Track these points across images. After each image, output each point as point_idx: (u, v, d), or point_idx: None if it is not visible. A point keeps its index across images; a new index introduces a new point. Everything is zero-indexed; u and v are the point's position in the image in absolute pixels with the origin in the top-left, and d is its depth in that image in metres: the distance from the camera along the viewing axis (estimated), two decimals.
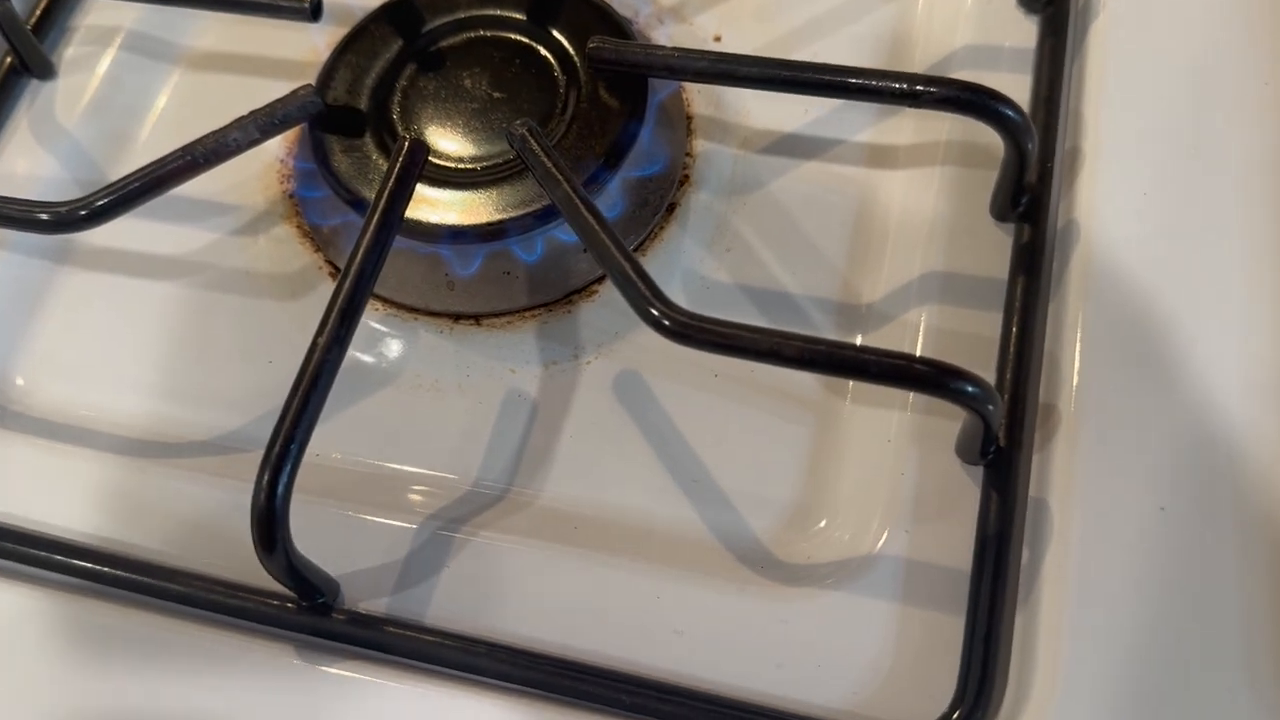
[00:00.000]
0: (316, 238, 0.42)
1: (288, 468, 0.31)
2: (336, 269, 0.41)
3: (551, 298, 0.40)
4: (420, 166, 0.36)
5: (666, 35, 0.45)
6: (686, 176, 0.42)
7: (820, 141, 0.42)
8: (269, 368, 0.40)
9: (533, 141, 0.35)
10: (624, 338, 0.40)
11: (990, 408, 0.31)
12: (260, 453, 0.38)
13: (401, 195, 0.35)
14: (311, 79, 0.43)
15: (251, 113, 0.36)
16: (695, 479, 0.37)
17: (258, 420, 0.39)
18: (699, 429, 0.38)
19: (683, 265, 0.41)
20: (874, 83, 0.35)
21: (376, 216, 0.34)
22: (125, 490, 0.38)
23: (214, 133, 0.36)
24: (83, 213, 0.35)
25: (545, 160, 0.34)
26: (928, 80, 0.35)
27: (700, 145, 0.43)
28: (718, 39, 0.45)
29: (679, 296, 0.40)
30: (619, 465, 0.37)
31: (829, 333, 0.39)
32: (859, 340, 0.38)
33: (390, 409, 0.39)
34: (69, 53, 0.47)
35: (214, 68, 0.47)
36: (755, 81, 0.36)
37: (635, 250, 0.40)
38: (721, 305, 0.40)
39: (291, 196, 0.43)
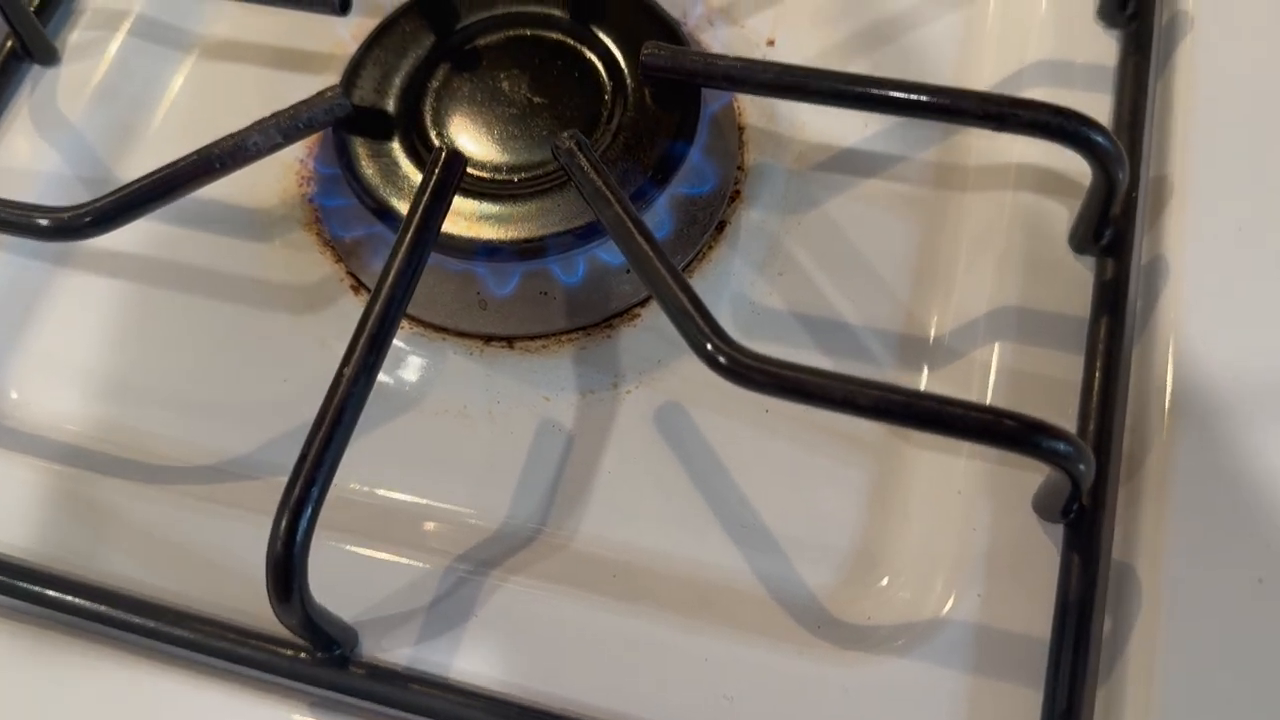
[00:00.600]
0: (338, 247, 0.39)
1: (308, 512, 0.28)
2: (359, 282, 0.38)
3: (591, 321, 0.37)
4: (458, 180, 0.33)
5: (717, 38, 0.42)
6: (738, 192, 0.39)
7: (881, 158, 0.39)
8: (284, 386, 0.37)
9: (581, 156, 0.32)
10: (667, 366, 0.37)
11: (1081, 468, 0.29)
12: (273, 480, 0.35)
13: (437, 211, 0.32)
14: (335, 73, 0.40)
15: (274, 114, 0.33)
16: (744, 524, 0.34)
17: (271, 444, 0.36)
18: (749, 469, 0.35)
19: (732, 288, 0.38)
20: (955, 103, 0.32)
21: (410, 234, 0.31)
22: (125, 518, 0.35)
23: (232, 135, 0.33)
24: (87, 219, 0.32)
25: (595, 177, 0.32)
26: (1013, 103, 0.32)
27: (753, 159, 0.40)
28: (771, 43, 0.42)
29: (727, 322, 0.37)
30: (661, 506, 0.34)
31: (891, 369, 0.36)
32: (924, 378, 0.36)
33: (414, 436, 0.36)
34: (74, 37, 0.44)
35: (230, 57, 0.44)
36: (825, 97, 0.33)
37: (683, 270, 0.38)
38: (773, 333, 0.37)
39: (311, 201, 0.40)
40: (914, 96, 0.32)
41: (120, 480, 0.36)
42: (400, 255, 0.31)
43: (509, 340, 0.37)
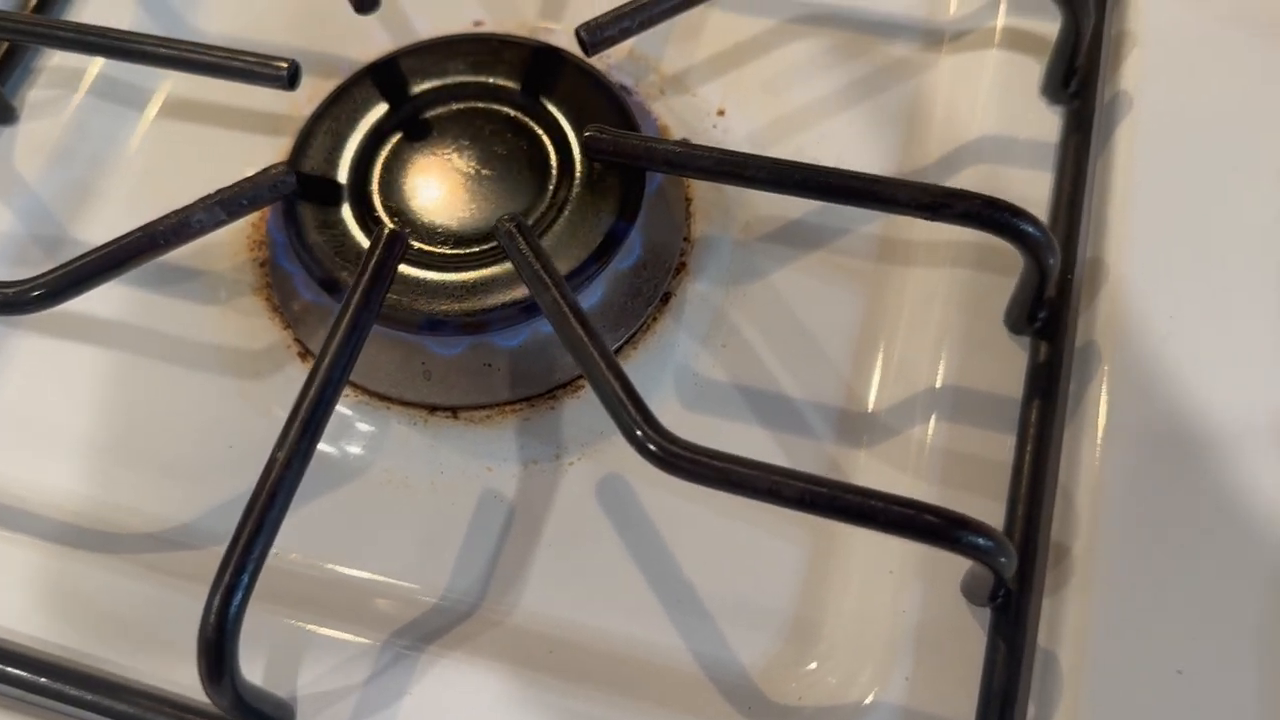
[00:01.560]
0: (286, 313, 0.39)
1: (238, 597, 0.29)
2: (306, 350, 0.39)
3: (534, 392, 0.37)
4: (398, 259, 0.33)
5: (669, 107, 0.43)
6: (683, 264, 0.40)
7: (825, 230, 0.40)
8: (228, 453, 0.38)
9: (520, 239, 0.33)
10: (609, 438, 0.37)
11: (1003, 560, 0.29)
12: (215, 549, 0.35)
13: (376, 292, 0.32)
14: (290, 134, 0.41)
15: (219, 191, 0.34)
16: (681, 600, 0.35)
17: (213, 512, 0.37)
18: (687, 544, 0.35)
19: (676, 361, 0.38)
20: (890, 193, 0.32)
21: (348, 316, 0.31)
22: (60, 584, 0.35)
23: (177, 211, 0.33)
24: (34, 294, 0.33)
25: (534, 262, 0.32)
26: (946, 194, 0.33)
27: (699, 230, 0.40)
28: (722, 113, 0.43)
29: (671, 395, 0.38)
30: (599, 581, 0.35)
31: (830, 443, 0.36)
32: (862, 455, 0.36)
33: (356, 507, 0.36)
34: (32, 95, 0.44)
35: (187, 117, 0.44)
36: (763, 184, 0.34)
37: (627, 342, 0.38)
38: (716, 406, 0.37)
39: (262, 265, 0.40)
40: (850, 184, 0.33)
41: (58, 545, 0.36)
42: (337, 337, 0.31)
43: (453, 410, 0.37)
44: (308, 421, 0.30)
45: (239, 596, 0.29)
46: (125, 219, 0.41)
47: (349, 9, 0.41)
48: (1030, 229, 0.32)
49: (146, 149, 0.44)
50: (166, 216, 0.33)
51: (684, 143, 0.35)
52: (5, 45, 0.43)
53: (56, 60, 0.44)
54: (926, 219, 0.33)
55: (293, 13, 0.46)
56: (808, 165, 0.33)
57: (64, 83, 0.44)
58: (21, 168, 0.42)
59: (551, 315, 0.32)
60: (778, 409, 0.37)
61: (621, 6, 0.36)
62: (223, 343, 0.39)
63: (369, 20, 0.43)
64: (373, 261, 0.32)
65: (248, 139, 0.43)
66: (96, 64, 0.44)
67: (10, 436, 0.38)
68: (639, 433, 0.30)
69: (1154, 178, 0.38)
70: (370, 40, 0.44)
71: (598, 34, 0.35)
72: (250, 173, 0.39)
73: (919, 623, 0.33)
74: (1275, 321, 0.34)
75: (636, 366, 0.38)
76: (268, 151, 0.43)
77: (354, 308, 0.31)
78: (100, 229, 0.42)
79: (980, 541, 0.28)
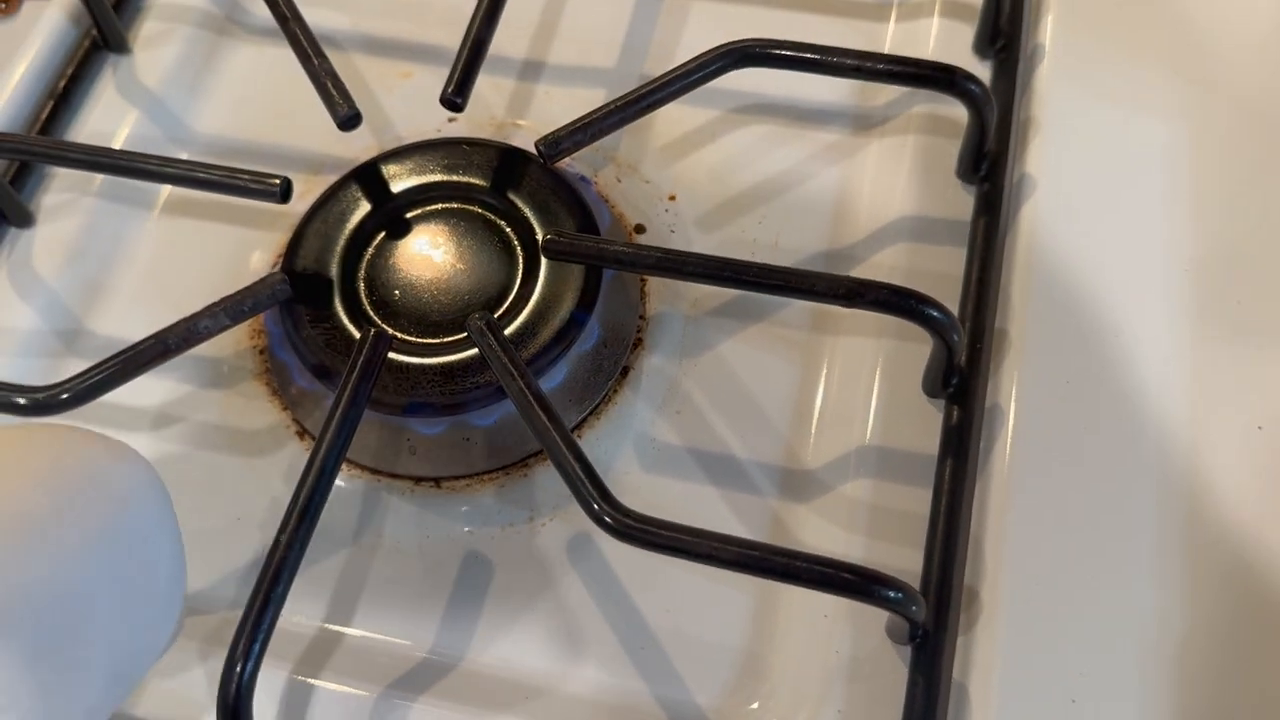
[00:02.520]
0: (285, 396, 0.44)
1: (251, 664, 0.33)
2: (304, 429, 0.43)
3: (509, 461, 0.42)
4: (383, 358, 0.38)
5: (625, 195, 0.47)
6: (640, 340, 0.44)
7: (767, 304, 0.44)
8: (237, 524, 0.42)
9: (490, 336, 0.37)
10: (576, 502, 0.41)
11: (913, 608, 0.34)
12: (225, 614, 0.40)
13: (364, 388, 0.37)
14: (280, 229, 0.46)
15: (222, 300, 0.38)
16: (643, 645, 0.39)
17: (224, 580, 0.41)
18: (648, 594, 0.40)
19: (635, 429, 0.43)
20: (811, 285, 0.37)
21: (339, 411, 0.36)
22: None
23: (185, 320, 0.38)
24: (63, 396, 0.37)
25: (502, 355, 0.37)
26: (859, 284, 0.37)
27: (654, 308, 0.45)
28: (673, 198, 0.47)
29: (632, 460, 0.42)
30: (571, 631, 0.39)
31: (774, 499, 0.41)
32: (801, 510, 0.41)
33: (352, 570, 0.41)
34: (47, 200, 0.48)
35: (188, 214, 0.49)
36: (701, 278, 0.38)
37: (591, 413, 0.43)
38: (672, 468, 0.42)
39: (261, 352, 0.45)
40: (776, 280, 0.37)
41: None
42: (330, 430, 0.36)
43: (436, 480, 0.42)
44: (305, 508, 0.34)
45: (251, 665, 0.33)
46: (135, 312, 0.46)
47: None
48: (934, 313, 0.37)
49: (152, 246, 0.48)
50: (175, 325, 0.38)
51: (631, 244, 0.40)
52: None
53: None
54: (843, 306, 0.38)
55: (280, 114, 0.50)
56: (737, 262, 0.38)
57: (75, 187, 0.48)
58: (40, 268, 0.47)
59: (518, 402, 0.36)
60: (727, 469, 0.42)
61: (575, 121, 0.41)
62: (228, 424, 0.44)
63: None
64: (360, 360, 0.37)
65: (244, 234, 0.48)
66: None
67: None
68: (595, 507, 0.34)
69: (1053, 255, 0.42)
70: (353, 138, 0.49)
71: (554, 147, 0.40)
72: (248, 265, 0.44)
73: (850, 660, 0.37)
74: (1166, 383, 0.39)
75: (599, 436, 0.42)
76: (262, 246, 0.47)
77: (344, 403, 0.36)
78: (113, 322, 0.46)
79: (892, 594, 0.33)
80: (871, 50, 0.42)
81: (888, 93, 0.48)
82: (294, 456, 0.43)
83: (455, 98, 0.41)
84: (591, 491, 0.34)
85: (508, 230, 0.43)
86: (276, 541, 0.34)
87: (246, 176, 0.40)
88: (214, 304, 0.38)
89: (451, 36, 0.45)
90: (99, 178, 0.49)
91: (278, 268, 0.46)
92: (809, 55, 0.41)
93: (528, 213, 0.43)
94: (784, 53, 0.41)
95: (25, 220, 0.47)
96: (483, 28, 0.42)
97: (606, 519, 0.34)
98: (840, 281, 0.37)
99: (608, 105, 0.41)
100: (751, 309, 0.45)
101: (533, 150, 0.43)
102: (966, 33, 0.49)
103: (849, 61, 0.41)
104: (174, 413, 0.44)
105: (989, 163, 0.44)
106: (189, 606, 0.41)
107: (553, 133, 0.40)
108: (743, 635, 0.39)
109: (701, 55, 0.42)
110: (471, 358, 0.40)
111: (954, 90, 0.41)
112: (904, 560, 0.38)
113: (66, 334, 0.46)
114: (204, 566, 0.41)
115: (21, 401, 0.38)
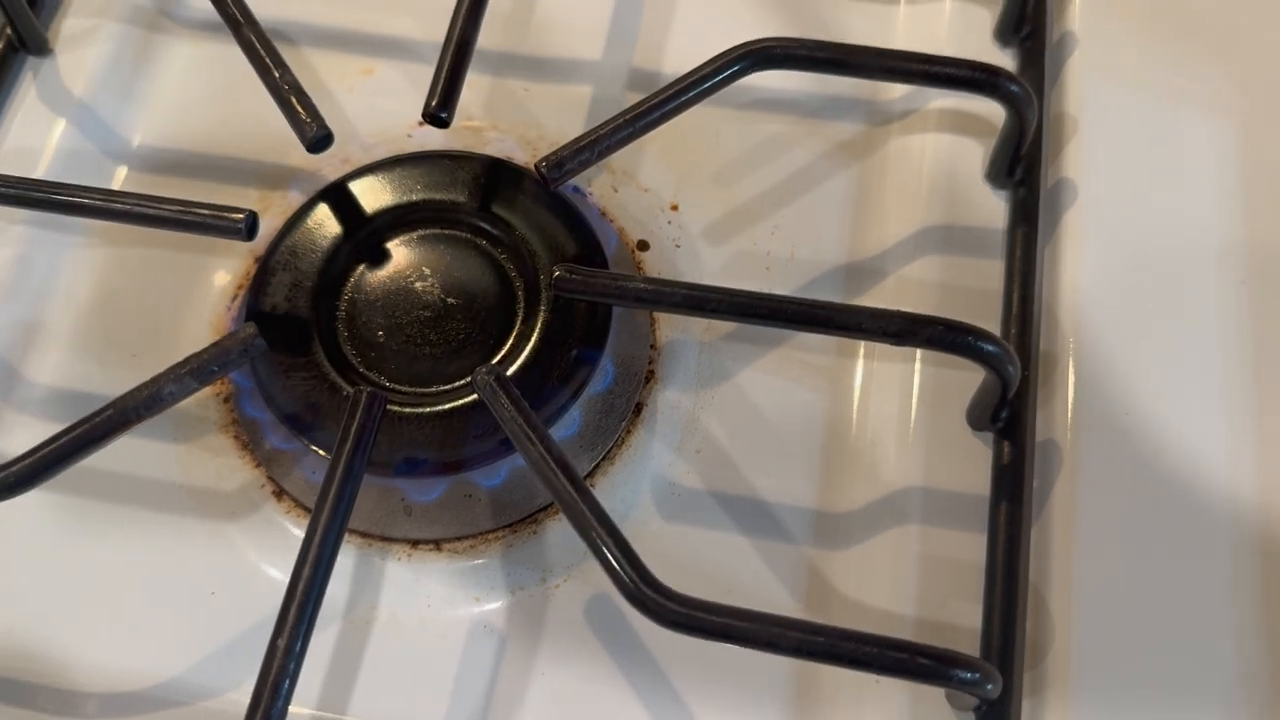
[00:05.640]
0: (257, 452, 0.39)
1: None
2: (280, 489, 0.38)
3: (516, 518, 0.38)
4: (378, 422, 0.33)
5: (623, 206, 0.43)
6: (652, 372, 0.40)
7: None
8: (211, 599, 0.37)
9: (502, 395, 0.33)
10: (593, 559, 0.38)
11: (989, 687, 0.31)
12: (204, 705, 0.36)
13: (359, 459, 0.32)
14: (241, 256, 0.41)
15: (187, 360, 0.33)
16: (671, 714, 0.36)
17: (202, 665, 0.37)
18: (673, 657, 0.36)
19: (651, 471, 0.39)
20: (857, 321, 0.33)
21: (334, 489, 0.31)
22: None
23: (148, 384, 0.33)
24: (9, 482, 0.32)
25: (518, 418, 0.32)
26: (911, 321, 0.33)
27: (665, 336, 0.41)
28: (675, 208, 0.43)
29: (650, 508, 0.38)
30: (595, 703, 0.36)
31: (808, 545, 0.38)
32: (840, 559, 0.37)
33: (348, 648, 0.37)
34: None
35: (135, 239, 0.43)
36: (732, 316, 0.34)
37: (604, 458, 0.39)
38: (694, 515, 0.38)
39: (226, 400, 0.40)
40: (818, 317, 0.33)
41: (37, 713, 0.36)
42: (325, 512, 0.31)
43: (436, 543, 0.38)
44: (304, 603, 0.30)
45: None
46: (75, 356, 0.41)
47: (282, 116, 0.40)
48: (991, 348, 0.34)
49: (92, 278, 0.42)
50: (137, 390, 0.33)
51: (652, 280, 0.35)
52: None
53: None
54: (892, 344, 0.34)
55: (226, 120, 0.45)
56: (772, 297, 0.34)
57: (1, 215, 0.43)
58: None
59: (537, 469, 0.32)
60: (755, 513, 0.38)
61: (579, 138, 0.36)
62: (194, 483, 0.39)
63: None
64: (354, 427, 0.32)
65: (195, 260, 0.42)
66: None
67: None
68: (635, 588, 0.31)
69: (1099, 269, 0.39)
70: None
71: (558, 170, 0.35)
72: (200, 294, 0.39)
73: None
74: (1230, 411, 0.36)
75: (614, 484, 0.38)
76: (219, 273, 0.42)
77: (339, 479, 0.32)
78: (51, 366, 0.41)
79: (968, 676, 0.30)
80: (889, 47, 0.38)
81: (904, 85, 0.44)
82: (271, 520, 0.38)
83: (440, 112, 0.36)
84: (632, 575, 0.31)
85: (501, 257, 0.39)
86: (273, 647, 0.30)
87: (205, 212, 0.35)
88: (178, 365, 0.33)
89: (417, 27, 0.40)
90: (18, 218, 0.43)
91: (241, 292, 0.41)
92: (835, 56, 0.37)
93: (524, 235, 0.39)
94: (807, 54, 0.37)
95: None
96: (467, 25, 0.37)
97: (650, 604, 0.30)
98: (889, 318, 0.33)
99: (615, 119, 0.36)
100: (769, 332, 0.41)
101: (519, 159, 0.39)
102: (983, 16, 0.45)
103: (880, 62, 0.37)
104: (129, 470, 0.39)
105: (1024, 167, 0.41)
106: (161, 697, 0.36)
107: (555, 152, 0.36)
108: (781, 703, 0.35)
109: (716, 58, 0.37)
110: (470, 405, 0.36)
111: (997, 94, 0.37)
112: (959, 615, 0.35)
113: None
114: (178, 652, 0.37)
115: None
